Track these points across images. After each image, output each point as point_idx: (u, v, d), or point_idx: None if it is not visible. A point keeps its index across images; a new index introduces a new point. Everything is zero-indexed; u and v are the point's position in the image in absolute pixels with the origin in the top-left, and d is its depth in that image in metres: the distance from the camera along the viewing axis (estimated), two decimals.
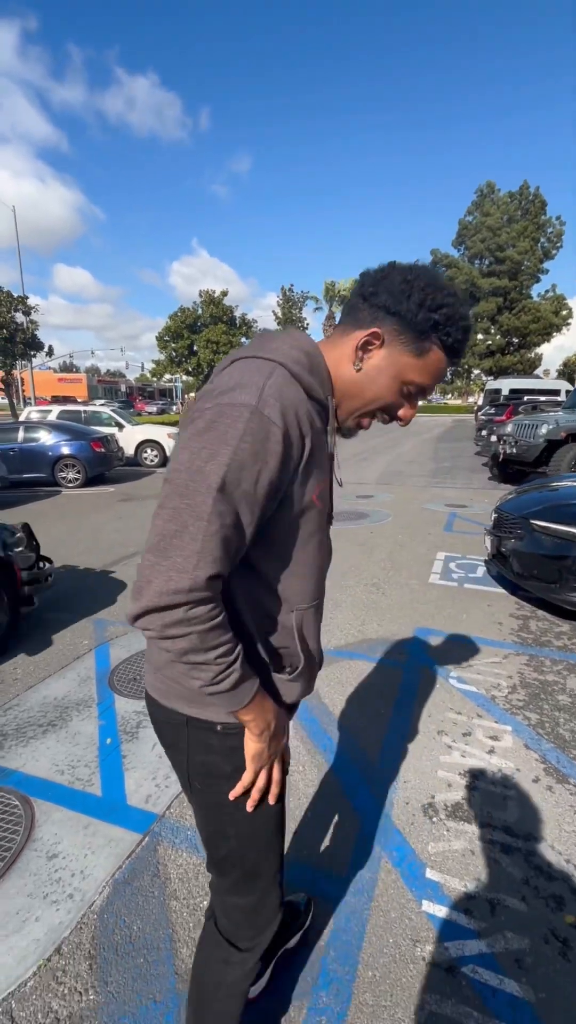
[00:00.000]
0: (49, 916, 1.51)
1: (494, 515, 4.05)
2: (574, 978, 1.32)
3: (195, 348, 36.71)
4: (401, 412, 0.87)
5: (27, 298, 18.65)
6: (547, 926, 1.46)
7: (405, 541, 5.47)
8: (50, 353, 20.79)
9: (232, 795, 0.86)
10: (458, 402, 53.73)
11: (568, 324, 41.88)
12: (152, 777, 2.07)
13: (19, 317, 18.29)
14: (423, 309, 0.77)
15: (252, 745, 0.83)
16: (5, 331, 17.62)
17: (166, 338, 36.93)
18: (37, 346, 19.50)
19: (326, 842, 1.76)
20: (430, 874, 1.63)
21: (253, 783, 0.86)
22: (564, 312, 41.44)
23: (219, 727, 0.85)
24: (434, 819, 1.84)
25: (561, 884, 1.59)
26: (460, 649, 3.11)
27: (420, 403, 0.94)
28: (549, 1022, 1.23)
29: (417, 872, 1.63)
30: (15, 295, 18.49)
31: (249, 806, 0.87)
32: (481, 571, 4.51)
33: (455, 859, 1.68)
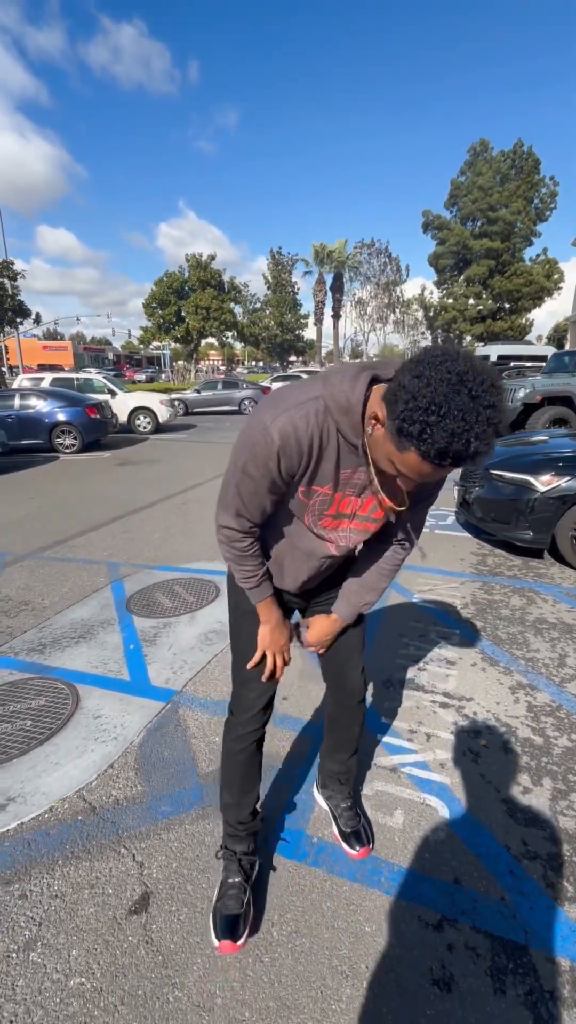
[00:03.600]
0: (101, 749, 2.04)
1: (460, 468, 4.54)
2: (478, 772, 1.88)
3: (183, 314, 36.15)
4: (399, 481, 0.94)
5: (13, 263, 18.41)
6: (467, 747, 2.02)
7: None
8: (38, 320, 20.55)
9: (250, 666, 1.33)
10: None
11: (559, 288, 41.64)
12: (170, 667, 2.59)
13: (5, 284, 18.10)
14: (398, 419, 0.79)
15: (260, 629, 1.29)
16: None
17: (153, 304, 36.28)
18: (24, 313, 19.34)
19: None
20: (383, 720, 2.17)
21: (264, 657, 1.31)
22: (555, 276, 41.15)
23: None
24: (390, 689, 2.39)
25: (481, 724, 2.15)
26: (424, 578, 3.64)
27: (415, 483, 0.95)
28: (456, 793, 1.79)
29: (373, 719, 2.18)
30: (1, 260, 18.24)
31: (265, 677, 1.34)
32: (451, 520, 5.03)
33: (403, 712, 2.23)
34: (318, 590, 1.39)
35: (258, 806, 1.48)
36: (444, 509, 5.39)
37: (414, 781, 1.85)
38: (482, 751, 1.99)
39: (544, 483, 3.69)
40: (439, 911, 1.40)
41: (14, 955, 1.30)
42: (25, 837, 1.64)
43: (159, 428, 13.04)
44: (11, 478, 7.76)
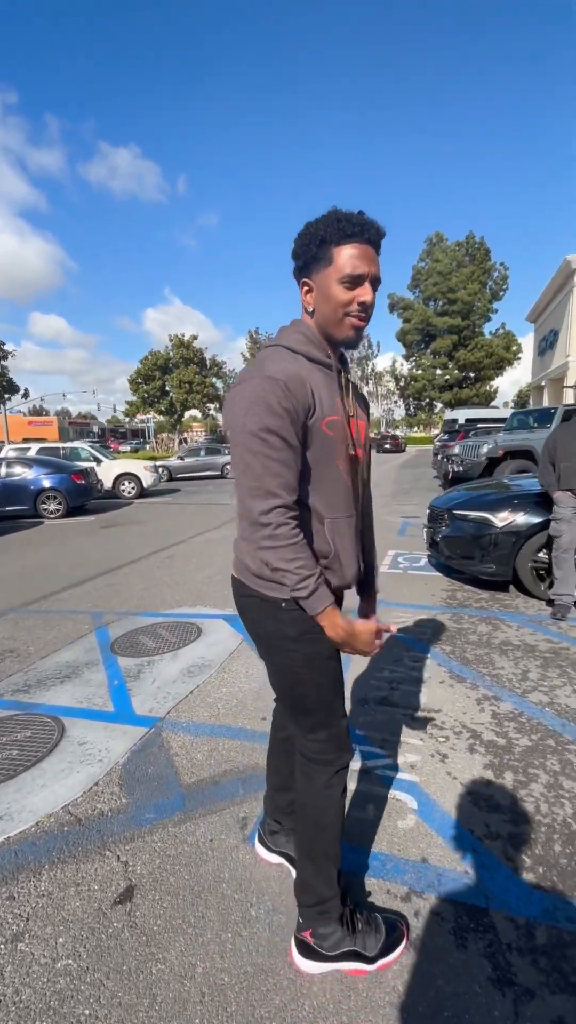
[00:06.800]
0: (86, 769, 2.11)
1: (427, 511, 4.86)
2: (445, 771, 2.01)
3: (167, 388, 37.83)
4: (360, 299, 1.06)
5: (3, 343, 19.45)
6: (435, 750, 2.14)
7: None
8: (26, 395, 21.34)
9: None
10: (422, 434, 56.09)
11: (519, 359, 44.92)
12: (153, 698, 2.69)
13: None
14: (302, 242, 1.07)
15: (344, 639, 1.09)
16: None
17: (138, 380, 37.97)
18: (13, 389, 20.14)
19: None
20: (356, 732, 2.29)
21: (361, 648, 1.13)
22: (514, 348, 44.51)
23: (283, 604, 1.10)
24: (365, 707, 2.51)
25: (448, 731, 2.28)
26: (398, 612, 3.82)
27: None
28: (425, 788, 1.90)
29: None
30: None
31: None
32: (423, 562, 5.28)
33: (377, 725, 2.35)
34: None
35: None
36: (418, 553, 5.65)
37: (384, 781, 1.96)
38: (449, 753, 2.12)
39: (501, 519, 4.00)
40: (407, 885, 1.50)
41: (2, 946, 1.35)
42: (12, 848, 1.70)
43: (144, 493, 13.35)
44: None
